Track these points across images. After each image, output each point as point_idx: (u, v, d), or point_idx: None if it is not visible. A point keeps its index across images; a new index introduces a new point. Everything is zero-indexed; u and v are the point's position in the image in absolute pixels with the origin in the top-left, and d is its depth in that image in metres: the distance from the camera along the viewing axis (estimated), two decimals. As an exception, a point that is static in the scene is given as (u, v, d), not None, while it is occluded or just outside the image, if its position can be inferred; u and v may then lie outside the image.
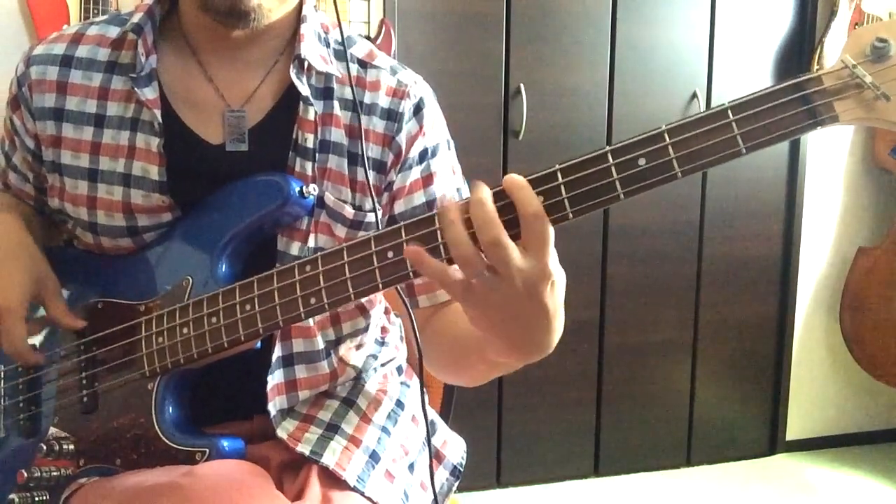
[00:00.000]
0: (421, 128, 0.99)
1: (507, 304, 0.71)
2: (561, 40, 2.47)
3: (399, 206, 0.99)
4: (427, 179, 0.99)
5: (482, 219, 0.69)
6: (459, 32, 2.40)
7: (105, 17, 1.02)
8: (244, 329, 0.86)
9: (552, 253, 0.70)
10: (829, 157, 2.82)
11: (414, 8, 2.33)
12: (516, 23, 2.43)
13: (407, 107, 0.98)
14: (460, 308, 0.96)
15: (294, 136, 0.94)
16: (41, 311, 0.97)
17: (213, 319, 0.87)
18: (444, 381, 0.98)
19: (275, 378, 0.95)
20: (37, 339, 0.99)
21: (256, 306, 0.85)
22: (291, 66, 0.94)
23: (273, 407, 0.94)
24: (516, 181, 0.70)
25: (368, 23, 2.20)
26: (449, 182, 1.02)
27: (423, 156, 0.99)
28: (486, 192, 0.70)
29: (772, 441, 2.90)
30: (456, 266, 0.71)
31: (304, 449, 0.92)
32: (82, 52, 0.97)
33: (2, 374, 1.00)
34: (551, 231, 0.70)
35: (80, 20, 1.93)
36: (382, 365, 1.08)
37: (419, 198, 0.99)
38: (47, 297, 0.95)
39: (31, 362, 0.94)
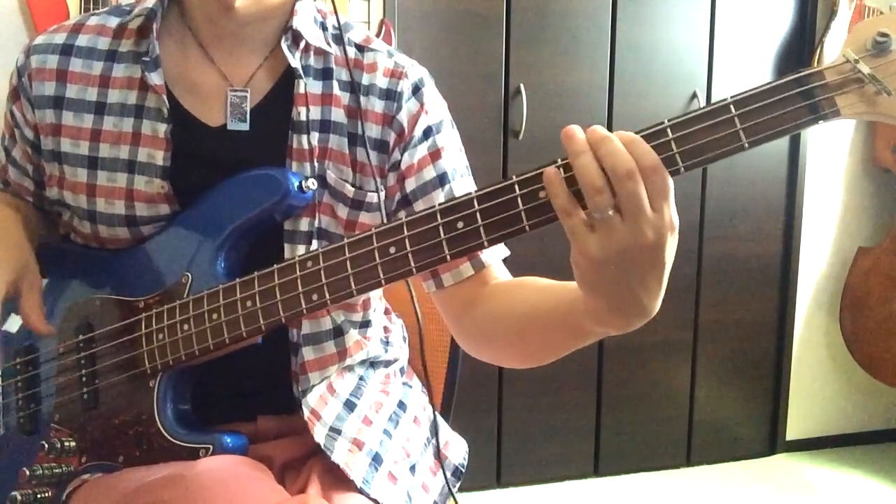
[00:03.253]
0: (422, 105, 0.99)
1: (626, 253, 0.66)
2: (561, 40, 2.47)
3: (410, 184, 0.98)
4: (435, 154, 0.98)
5: (613, 151, 0.65)
6: (459, 32, 2.40)
7: (105, 9, 1.02)
8: (246, 325, 0.86)
9: (673, 204, 0.67)
10: (829, 157, 2.81)
11: (414, 8, 2.33)
12: (516, 23, 2.43)
13: (405, 86, 0.98)
14: (518, 283, 0.92)
15: (292, 113, 0.95)
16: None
17: (214, 316, 0.87)
18: (499, 365, 0.96)
19: (299, 358, 0.96)
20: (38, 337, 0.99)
21: (258, 302, 0.85)
22: (283, 38, 0.95)
23: (296, 387, 0.96)
24: (626, 135, 0.66)
25: (368, 23, 2.21)
26: (458, 158, 1.01)
27: (428, 132, 0.99)
28: (605, 132, 0.67)
29: (772, 441, 2.90)
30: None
31: (319, 438, 0.92)
32: (83, 41, 0.98)
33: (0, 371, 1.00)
34: (671, 182, 0.66)
35: (80, 18, 1.93)
36: (386, 365, 1.08)
37: (429, 173, 0.98)
38: (24, 290, 0.93)
39: None
